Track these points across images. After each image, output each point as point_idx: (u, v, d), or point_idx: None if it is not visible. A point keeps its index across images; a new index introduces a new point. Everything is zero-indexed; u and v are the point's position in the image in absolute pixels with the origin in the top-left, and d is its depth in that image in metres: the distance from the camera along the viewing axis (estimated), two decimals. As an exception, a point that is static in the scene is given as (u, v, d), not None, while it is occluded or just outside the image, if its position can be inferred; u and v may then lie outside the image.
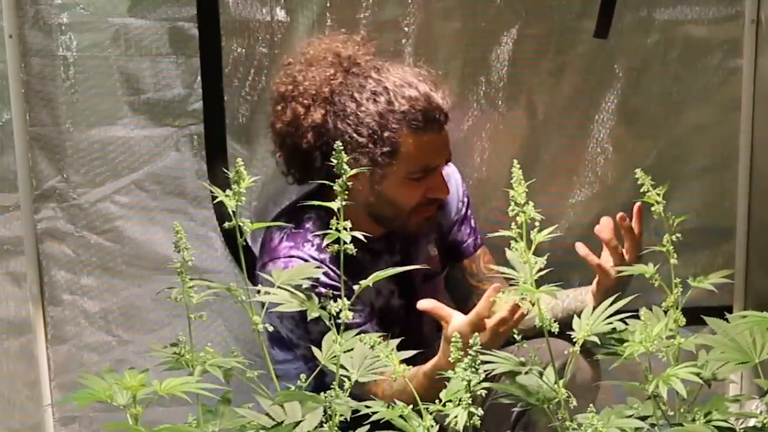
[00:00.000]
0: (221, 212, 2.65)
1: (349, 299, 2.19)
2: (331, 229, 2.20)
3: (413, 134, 2.24)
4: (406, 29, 2.66)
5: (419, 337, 2.38)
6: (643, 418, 1.64)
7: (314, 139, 2.29)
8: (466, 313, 2.19)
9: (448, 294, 2.61)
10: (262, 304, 1.86)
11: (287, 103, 2.34)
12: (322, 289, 2.15)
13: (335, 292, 2.14)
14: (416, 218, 2.34)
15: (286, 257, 2.28)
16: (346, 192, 2.19)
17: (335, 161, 1.61)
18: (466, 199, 2.56)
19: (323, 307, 1.77)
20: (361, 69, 2.31)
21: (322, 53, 2.35)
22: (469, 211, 2.56)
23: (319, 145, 2.28)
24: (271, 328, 1.74)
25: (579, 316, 1.70)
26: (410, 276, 2.37)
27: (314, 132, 2.29)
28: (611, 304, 1.69)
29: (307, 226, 2.33)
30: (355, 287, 2.22)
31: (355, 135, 2.24)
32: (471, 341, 1.53)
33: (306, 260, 2.25)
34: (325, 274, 2.19)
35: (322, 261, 2.24)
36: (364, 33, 2.43)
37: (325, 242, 1.65)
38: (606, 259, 2.23)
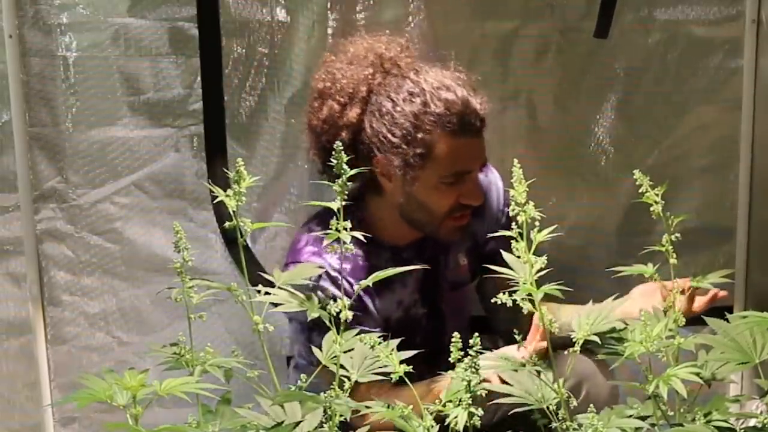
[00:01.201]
0: (221, 213, 2.65)
1: (365, 311, 2.18)
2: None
3: (447, 137, 2.20)
4: (406, 29, 2.66)
5: (441, 345, 2.35)
6: (643, 418, 1.64)
7: (348, 137, 2.25)
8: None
9: (482, 305, 2.57)
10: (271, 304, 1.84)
11: (324, 100, 2.30)
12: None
13: (357, 317, 2.14)
14: (449, 224, 2.30)
15: (306, 262, 2.23)
16: (379, 192, 2.18)
17: (335, 161, 1.60)
18: (507, 210, 2.48)
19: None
20: (401, 70, 2.27)
21: (364, 52, 2.32)
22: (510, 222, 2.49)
23: (353, 144, 2.25)
24: (271, 328, 1.73)
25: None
26: (435, 284, 2.34)
27: (349, 130, 2.25)
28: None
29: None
30: (377, 298, 2.21)
31: (388, 135, 2.20)
32: (471, 341, 1.53)
33: (325, 269, 2.18)
34: (340, 286, 2.15)
35: (340, 271, 2.20)
36: (407, 36, 2.40)
37: (325, 242, 1.63)
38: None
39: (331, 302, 1.97)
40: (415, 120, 2.19)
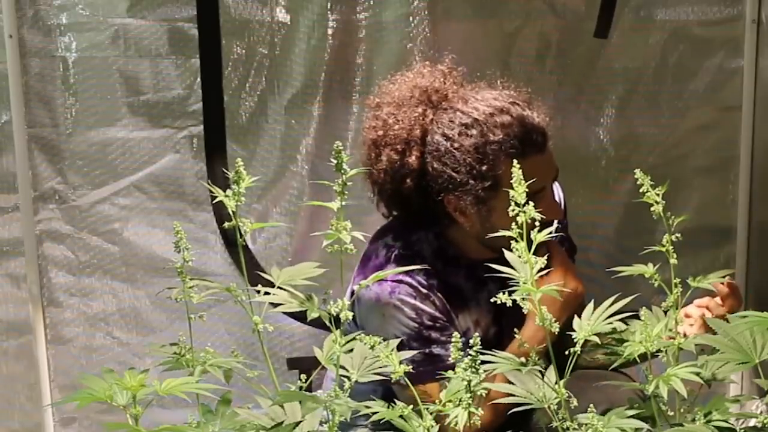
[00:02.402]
0: (221, 214, 2.65)
1: (453, 326, 2.17)
2: (437, 254, 2.18)
3: (512, 162, 2.13)
4: (407, 29, 2.66)
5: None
6: (644, 419, 1.63)
7: (413, 182, 2.17)
8: None
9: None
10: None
11: (380, 149, 2.20)
12: (426, 320, 2.12)
13: (446, 333, 2.12)
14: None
15: (393, 281, 2.15)
16: (454, 221, 2.14)
17: (335, 161, 1.59)
18: (566, 222, 2.42)
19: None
20: (449, 103, 2.18)
21: (408, 92, 2.21)
22: (566, 232, 2.44)
23: (418, 187, 2.18)
24: (271, 329, 1.72)
25: None
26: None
27: (412, 176, 2.17)
28: (611, 304, 1.69)
29: (416, 248, 2.21)
30: (460, 315, 2.19)
31: (453, 174, 2.11)
32: (471, 341, 1.52)
33: (414, 286, 2.14)
34: (432, 302, 2.13)
35: (430, 287, 2.15)
36: (448, 61, 2.29)
37: (325, 243, 1.62)
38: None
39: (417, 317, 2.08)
40: (476, 153, 2.10)
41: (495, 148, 2.10)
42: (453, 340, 1.52)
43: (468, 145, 2.10)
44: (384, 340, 2.12)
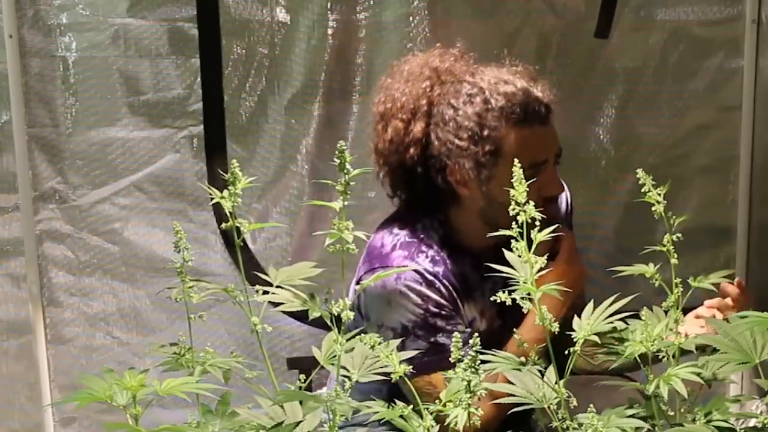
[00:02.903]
0: (221, 214, 2.65)
1: (459, 315, 2.17)
2: (443, 241, 2.18)
3: (514, 129, 2.13)
4: (407, 29, 2.66)
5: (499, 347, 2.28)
6: (644, 419, 1.63)
7: (417, 154, 2.19)
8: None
9: None
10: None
11: (387, 121, 2.23)
12: (432, 307, 2.13)
13: (452, 322, 2.12)
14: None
15: (399, 267, 2.16)
16: (457, 202, 2.14)
17: (338, 161, 1.59)
18: (570, 221, 2.43)
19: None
20: (456, 77, 2.21)
21: (419, 69, 2.25)
22: (571, 229, 2.42)
23: (422, 159, 2.20)
24: (270, 329, 1.72)
25: None
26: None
27: (416, 146, 2.19)
28: (611, 304, 1.68)
29: (421, 235, 2.22)
30: (466, 305, 2.19)
31: (455, 140, 2.13)
32: (471, 341, 1.52)
33: (420, 273, 2.15)
34: (437, 289, 2.14)
35: (435, 274, 2.15)
36: (460, 45, 2.31)
37: (327, 242, 1.61)
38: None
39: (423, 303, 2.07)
40: (479, 119, 2.13)
41: (496, 114, 2.12)
42: (455, 338, 1.51)
43: (471, 113, 2.13)
44: (389, 327, 2.12)
